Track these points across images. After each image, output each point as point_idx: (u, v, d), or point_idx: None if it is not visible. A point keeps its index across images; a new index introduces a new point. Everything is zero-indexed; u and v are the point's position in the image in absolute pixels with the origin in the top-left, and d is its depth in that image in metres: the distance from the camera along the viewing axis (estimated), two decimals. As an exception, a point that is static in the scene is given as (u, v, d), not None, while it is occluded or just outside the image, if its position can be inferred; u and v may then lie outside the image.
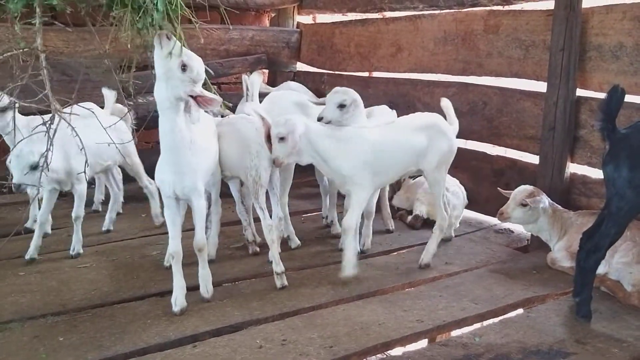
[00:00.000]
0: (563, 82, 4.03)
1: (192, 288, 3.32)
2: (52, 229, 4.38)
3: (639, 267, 3.37)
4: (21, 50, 3.04)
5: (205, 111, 3.29)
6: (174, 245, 3.20)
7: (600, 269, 3.39)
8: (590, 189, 4.10)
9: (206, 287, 3.32)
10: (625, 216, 3.10)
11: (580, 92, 4.13)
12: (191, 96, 2.95)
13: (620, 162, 3.05)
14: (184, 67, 2.90)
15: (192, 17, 3.25)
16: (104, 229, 4.46)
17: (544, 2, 4.39)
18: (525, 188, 3.92)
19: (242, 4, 6.20)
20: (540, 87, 4.29)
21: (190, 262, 3.40)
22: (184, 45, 2.97)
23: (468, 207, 4.91)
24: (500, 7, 4.70)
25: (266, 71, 6.90)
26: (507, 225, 4.57)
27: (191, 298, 3.26)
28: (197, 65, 2.96)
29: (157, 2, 3.01)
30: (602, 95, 3.17)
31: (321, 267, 3.86)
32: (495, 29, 4.68)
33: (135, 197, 5.05)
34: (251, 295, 3.38)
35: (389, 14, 5.86)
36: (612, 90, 3.06)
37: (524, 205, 3.85)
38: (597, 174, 4.02)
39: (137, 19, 3.03)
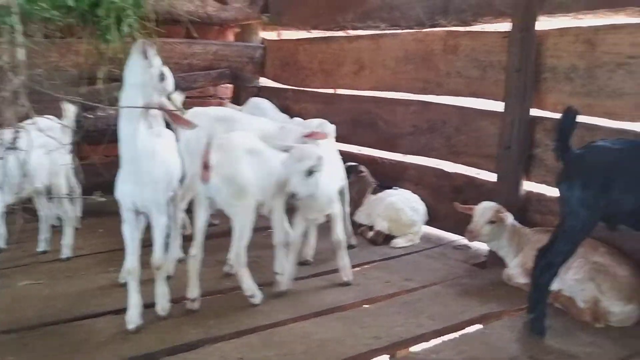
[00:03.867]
0: (519, 102, 4.13)
1: (149, 305, 3.27)
2: (6, 244, 4.27)
3: (591, 284, 3.45)
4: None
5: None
6: (131, 261, 3.15)
7: (555, 286, 3.45)
8: (545, 206, 4.19)
9: (163, 304, 3.28)
10: (578, 234, 3.18)
11: (535, 112, 4.23)
12: (164, 110, 2.98)
13: (574, 181, 3.14)
14: (162, 77, 2.95)
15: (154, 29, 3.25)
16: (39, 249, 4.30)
17: (501, 24, 4.50)
18: (491, 205, 3.98)
19: (205, 19, 6.19)
20: (497, 106, 4.38)
21: (147, 278, 3.35)
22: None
23: (428, 223, 4.98)
24: (458, 28, 4.81)
25: (230, 86, 6.90)
26: (464, 241, 4.63)
27: (147, 316, 3.20)
28: (171, 76, 3.06)
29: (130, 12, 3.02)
30: (556, 116, 3.26)
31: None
32: (454, 49, 4.77)
33: (93, 212, 4.96)
34: (208, 312, 3.35)
35: (352, 32, 5.94)
36: (566, 112, 3.16)
37: (493, 222, 3.92)
38: (551, 191, 4.11)
39: (118, 29, 3.04)
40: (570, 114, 3.14)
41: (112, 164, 3.37)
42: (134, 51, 2.90)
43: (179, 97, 4.03)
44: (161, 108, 3.12)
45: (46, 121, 3.74)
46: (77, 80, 3.45)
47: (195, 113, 4.27)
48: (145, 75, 2.91)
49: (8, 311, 3.29)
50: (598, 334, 3.28)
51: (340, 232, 3.87)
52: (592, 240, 3.57)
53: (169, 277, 3.57)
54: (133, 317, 3.12)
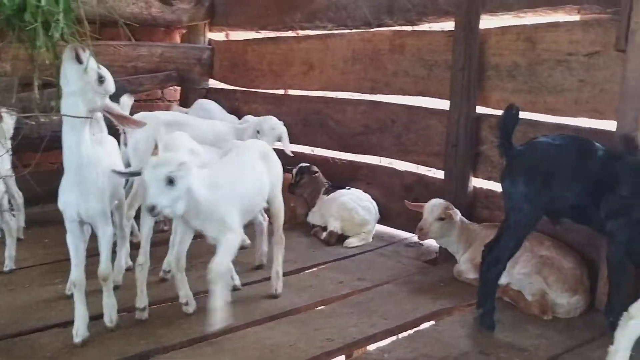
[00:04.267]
0: (464, 100, 4.20)
1: (97, 317, 3.18)
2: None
3: (537, 277, 3.53)
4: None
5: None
6: (77, 273, 3.06)
7: (503, 280, 3.53)
8: (492, 202, 4.27)
9: (110, 315, 3.19)
10: (522, 229, 3.26)
11: (480, 110, 4.32)
12: (109, 113, 2.90)
13: (517, 177, 3.21)
14: (101, 79, 2.88)
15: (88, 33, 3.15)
16: None
17: (445, 23, 4.57)
18: (440, 202, 4.03)
19: (150, 21, 6.08)
20: (444, 105, 4.44)
21: (94, 289, 3.26)
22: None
23: (381, 222, 5.02)
24: (404, 28, 4.85)
25: (178, 88, 6.79)
26: (416, 238, 4.67)
27: (95, 328, 3.12)
28: (110, 77, 2.95)
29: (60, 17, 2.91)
30: (500, 113, 3.32)
31: (234, 291, 3.69)
32: (400, 48, 4.82)
33: (38, 222, 4.81)
34: (159, 321, 3.28)
35: (301, 33, 5.93)
36: (508, 109, 3.22)
37: (442, 219, 3.96)
38: (498, 187, 4.19)
39: (48, 34, 2.93)
40: (511, 111, 3.20)
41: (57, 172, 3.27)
42: (66, 57, 2.80)
43: (128, 101, 3.97)
44: (107, 112, 3.03)
45: None
46: (11, 87, 3.31)
47: (143, 117, 4.17)
48: (81, 80, 2.82)
49: (-53, 329, 3.16)
50: (546, 326, 3.36)
51: (218, 262, 3.04)
52: (537, 234, 3.67)
53: (117, 287, 3.49)
54: (80, 330, 3.03)
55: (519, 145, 3.25)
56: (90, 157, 2.96)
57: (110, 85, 2.95)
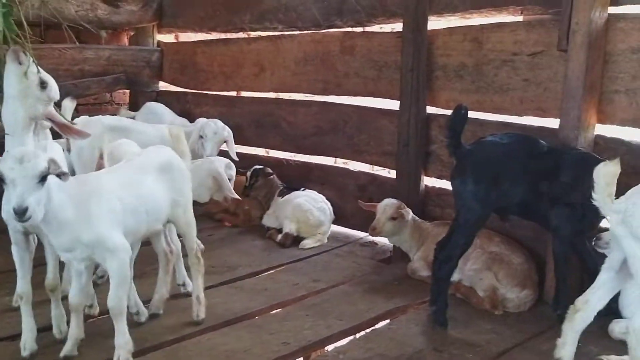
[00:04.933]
0: (414, 101, 4.25)
1: (46, 329, 3.10)
2: None
3: (488, 273, 3.61)
4: None
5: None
6: (23, 285, 2.97)
7: (455, 277, 3.60)
8: (444, 201, 4.34)
9: (59, 327, 3.11)
10: (472, 227, 3.32)
11: (430, 110, 4.38)
12: (52, 120, 2.81)
13: (466, 176, 3.27)
14: (43, 85, 2.80)
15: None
16: None
17: (394, 24, 4.61)
18: (392, 202, 4.07)
19: (96, 23, 5.93)
20: (395, 105, 4.48)
21: (43, 299, 3.17)
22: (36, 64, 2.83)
23: (336, 222, 5.03)
24: (354, 29, 4.88)
25: (128, 91, 6.66)
26: (371, 237, 4.71)
27: (44, 340, 3.03)
28: (54, 83, 2.87)
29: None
30: (449, 112, 3.38)
31: (186, 297, 3.61)
32: (350, 50, 4.84)
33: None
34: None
35: (252, 34, 5.90)
36: (456, 110, 3.28)
37: (394, 218, 4.00)
38: (449, 185, 4.24)
39: None
40: (460, 111, 3.26)
41: None
42: (7, 60, 2.72)
43: (70, 104, 3.84)
44: (50, 120, 2.93)
45: None
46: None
47: (86, 121, 4.08)
48: (22, 84, 2.74)
49: None
50: (497, 321, 3.44)
51: (111, 298, 2.78)
52: (487, 231, 3.75)
53: (65, 298, 3.39)
54: (27, 342, 2.94)
55: (467, 145, 3.32)
56: None
57: (54, 92, 2.86)
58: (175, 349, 3.04)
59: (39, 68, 2.83)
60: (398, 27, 4.57)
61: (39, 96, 2.80)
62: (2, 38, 2.84)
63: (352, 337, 3.32)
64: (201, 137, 4.86)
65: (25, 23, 2.96)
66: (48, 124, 2.97)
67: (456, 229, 3.32)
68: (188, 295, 3.56)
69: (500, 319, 3.46)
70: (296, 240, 4.74)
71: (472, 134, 3.82)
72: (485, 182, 3.23)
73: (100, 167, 3.17)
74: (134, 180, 2.96)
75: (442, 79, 4.27)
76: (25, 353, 2.92)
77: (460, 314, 3.50)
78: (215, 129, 4.70)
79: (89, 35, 5.94)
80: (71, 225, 2.64)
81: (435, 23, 4.35)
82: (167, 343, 3.09)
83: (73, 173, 3.86)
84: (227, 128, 5.01)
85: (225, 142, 4.98)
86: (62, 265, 3.20)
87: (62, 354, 2.89)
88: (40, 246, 3.18)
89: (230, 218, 5.28)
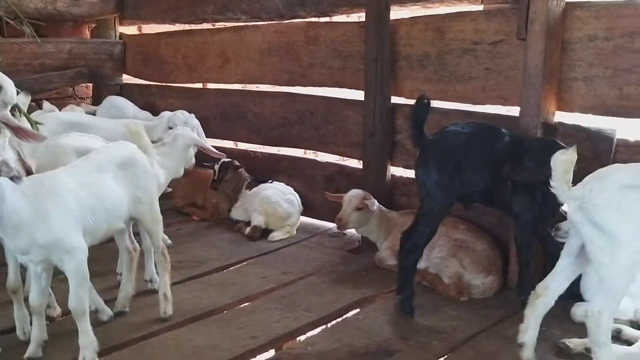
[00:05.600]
0: (378, 91, 4.25)
1: (9, 330, 3.06)
2: None
3: (453, 260, 3.65)
4: None
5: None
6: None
7: (421, 264, 3.64)
8: (410, 190, 4.37)
9: (23, 328, 3.06)
10: (436, 215, 3.36)
11: (395, 100, 4.39)
12: (6, 124, 2.73)
13: (430, 165, 3.30)
14: None
15: None
16: None
17: (358, 14, 4.60)
18: (358, 193, 4.08)
19: (56, 16, 5.81)
20: (360, 95, 4.48)
21: (4, 301, 3.13)
22: None
23: (304, 213, 5.03)
24: (317, 19, 4.86)
25: (90, 85, 6.54)
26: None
27: (7, 341, 3.00)
28: (10, 86, 2.77)
29: None
30: (413, 102, 3.40)
31: (152, 294, 3.58)
32: (315, 40, 4.82)
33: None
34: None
35: (217, 25, 5.84)
36: (419, 100, 3.30)
37: (360, 209, 4.01)
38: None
39: None
40: (422, 101, 3.29)
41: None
42: None
43: (25, 100, 3.75)
44: (4, 123, 2.84)
45: None
46: None
47: (42, 117, 3.98)
48: None
49: None
50: (463, 307, 3.49)
51: (72, 299, 2.75)
52: (452, 218, 3.79)
53: (27, 299, 3.33)
54: (-9, 345, 2.91)
55: (430, 135, 3.34)
56: None
57: (9, 95, 2.76)
58: (141, 346, 3.03)
59: None
60: (363, 16, 4.56)
61: None
62: None
63: (320, 329, 3.33)
64: (170, 128, 4.81)
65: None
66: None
67: (421, 217, 3.36)
68: (155, 291, 3.53)
69: (466, 305, 3.51)
70: (265, 232, 4.72)
71: (436, 123, 3.83)
72: (448, 171, 3.26)
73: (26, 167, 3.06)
74: (92, 178, 2.87)
75: (406, 68, 4.28)
76: (-12, 356, 2.88)
77: (427, 301, 3.55)
78: (185, 118, 4.66)
79: (48, 28, 5.82)
80: (27, 226, 2.57)
81: (398, 13, 4.36)
82: (133, 341, 3.07)
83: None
84: (194, 117, 4.96)
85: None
86: (24, 266, 3.15)
87: (26, 356, 2.85)
88: (0, 247, 3.13)
89: (199, 212, 5.25)
